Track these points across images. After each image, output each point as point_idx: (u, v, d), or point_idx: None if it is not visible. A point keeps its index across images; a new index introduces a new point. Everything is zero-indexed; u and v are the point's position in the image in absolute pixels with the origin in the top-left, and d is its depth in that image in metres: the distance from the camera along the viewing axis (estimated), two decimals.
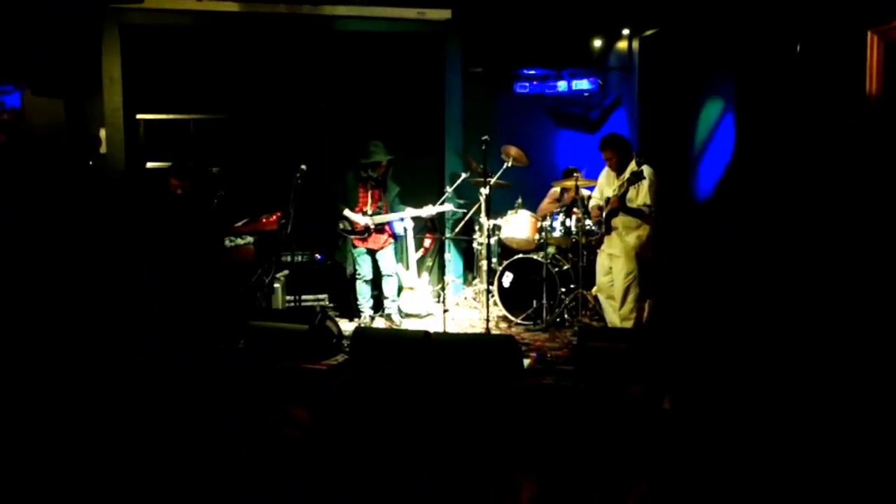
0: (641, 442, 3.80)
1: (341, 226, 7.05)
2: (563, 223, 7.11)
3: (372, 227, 7.01)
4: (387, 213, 7.08)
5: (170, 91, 8.10)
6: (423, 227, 7.84)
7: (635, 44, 8.08)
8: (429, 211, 7.13)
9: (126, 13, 7.62)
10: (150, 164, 8.18)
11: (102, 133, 7.74)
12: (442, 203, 7.22)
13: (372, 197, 7.06)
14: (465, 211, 7.84)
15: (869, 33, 4.90)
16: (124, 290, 5.75)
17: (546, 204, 7.84)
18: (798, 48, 5.59)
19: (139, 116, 8.09)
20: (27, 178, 6.43)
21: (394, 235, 7.27)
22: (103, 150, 7.74)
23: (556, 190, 7.82)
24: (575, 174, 7.15)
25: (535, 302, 7.07)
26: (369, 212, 7.03)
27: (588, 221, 6.65)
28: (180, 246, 6.33)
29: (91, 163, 7.54)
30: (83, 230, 6.74)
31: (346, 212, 7.02)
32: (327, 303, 7.74)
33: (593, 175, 6.82)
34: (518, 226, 7.36)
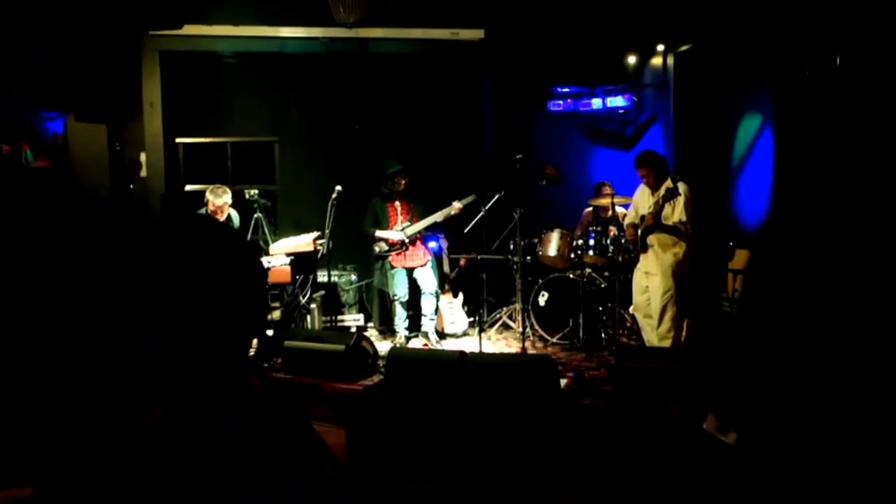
0: (678, 461, 3.74)
1: (377, 249, 7.06)
2: (598, 241, 7.05)
3: (406, 240, 7.00)
4: (418, 222, 7.06)
5: (208, 115, 8.25)
6: (458, 246, 7.83)
7: (670, 60, 8.03)
8: (455, 206, 7.04)
9: (165, 40, 7.78)
10: (188, 187, 8.31)
11: (143, 157, 7.90)
12: (470, 202, 7.11)
13: (401, 213, 7.08)
14: (500, 219, 7.74)
15: None
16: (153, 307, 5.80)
17: (582, 226, 7.78)
18: (838, 60, 5.50)
19: (178, 140, 8.24)
20: (69, 202, 6.56)
21: (430, 254, 7.27)
22: (143, 173, 7.90)
23: (588, 211, 7.79)
24: (605, 188, 7.09)
25: (571, 321, 7.01)
26: (401, 227, 7.04)
27: (624, 239, 6.58)
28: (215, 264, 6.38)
29: (132, 186, 7.69)
30: (123, 251, 6.85)
31: (378, 232, 7.03)
32: (364, 323, 7.76)
33: (628, 192, 6.77)
34: (553, 244, 7.31)
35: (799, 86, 6.03)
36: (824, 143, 5.58)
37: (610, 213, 7.00)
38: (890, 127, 4.96)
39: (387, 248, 7.04)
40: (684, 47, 7.82)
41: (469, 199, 7.08)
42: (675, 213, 5.83)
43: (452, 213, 7.04)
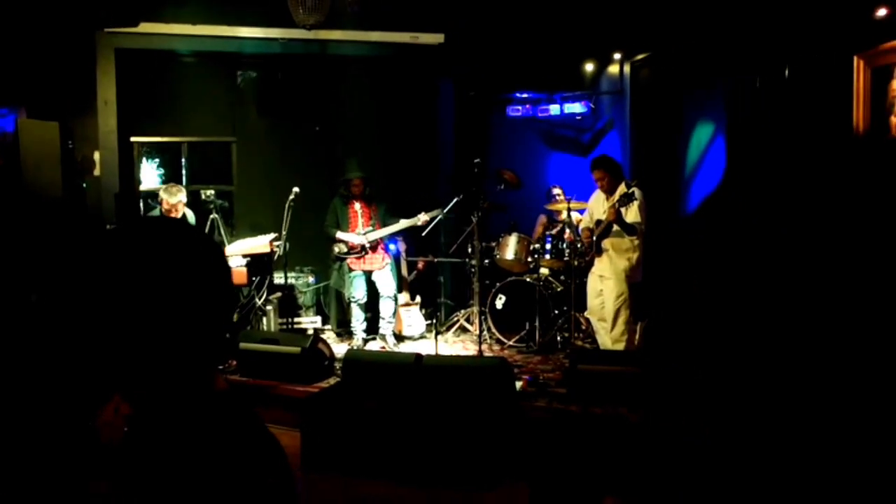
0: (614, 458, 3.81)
1: (336, 250, 7.04)
2: (554, 245, 7.13)
3: (367, 244, 7.00)
4: (380, 229, 7.07)
5: (163, 114, 8.15)
6: (416, 249, 7.86)
7: (626, 68, 8.16)
8: (423, 218, 7.09)
9: (121, 37, 7.67)
10: (143, 187, 8.20)
11: (97, 155, 7.77)
12: (434, 217, 7.19)
13: (362, 216, 7.07)
14: (457, 223, 7.79)
15: (855, 58, 4.95)
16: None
17: (539, 231, 7.86)
18: (786, 72, 5.66)
19: (133, 139, 8.12)
20: (21, 201, 6.43)
21: (390, 257, 7.27)
22: (97, 172, 7.77)
23: (544, 216, 7.88)
24: (555, 192, 7.19)
25: (527, 324, 7.07)
26: (361, 231, 7.03)
27: (580, 243, 6.67)
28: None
29: (84, 185, 7.56)
30: (75, 250, 6.73)
31: (339, 233, 7.01)
32: (320, 325, 7.73)
33: (585, 197, 6.86)
34: (511, 248, 7.37)
35: (749, 95, 6.18)
36: (773, 150, 5.72)
37: (563, 216, 7.09)
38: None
39: (346, 249, 7.02)
40: (640, 56, 7.95)
41: (435, 212, 7.13)
42: (629, 216, 5.92)
43: (418, 223, 7.07)
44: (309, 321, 7.69)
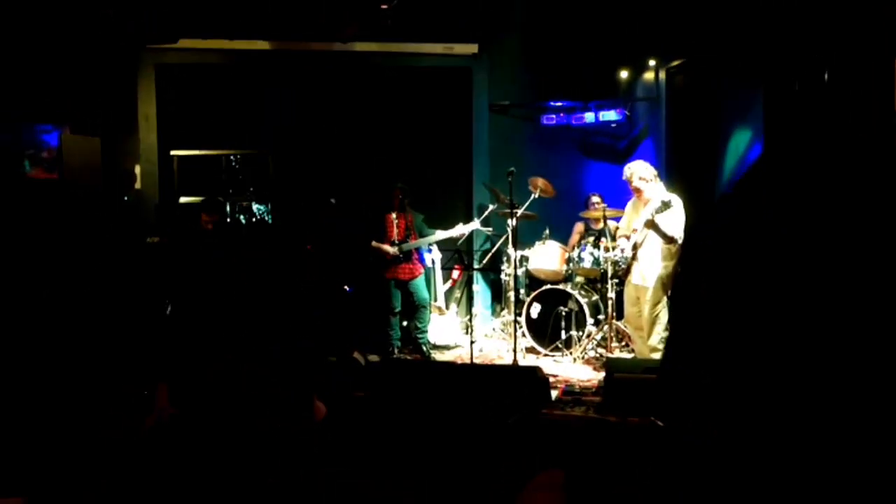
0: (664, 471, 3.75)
1: (371, 260, 7.11)
2: (591, 253, 7.08)
3: (400, 255, 7.04)
4: (416, 239, 7.11)
5: (203, 128, 8.29)
6: (451, 258, 7.87)
7: (662, 74, 8.09)
8: (459, 230, 7.13)
9: (161, 53, 7.83)
10: (183, 199, 8.35)
11: (137, 169, 7.93)
12: (472, 227, 7.24)
13: (398, 227, 7.11)
14: (494, 233, 7.83)
15: (895, 61, 4.86)
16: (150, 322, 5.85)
17: (575, 239, 7.82)
18: (826, 76, 5.57)
19: (173, 153, 8.28)
20: (65, 213, 6.60)
21: (424, 266, 7.30)
22: (138, 185, 7.93)
23: (580, 224, 7.84)
24: (594, 200, 7.16)
25: (563, 333, 7.04)
26: (397, 241, 7.07)
27: (616, 252, 6.61)
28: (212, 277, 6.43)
29: (126, 198, 7.72)
30: (117, 262, 6.89)
31: (374, 243, 7.07)
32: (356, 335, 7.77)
33: (621, 205, 6.81)
34: (545, 256, 7.35)
35: (788, 100, 6.09)
36: (813, 156, 5.63)
37: (601, 224, 7.05)
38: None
39: (382, 260, 7.07)
40: (676, 62, 7.89)
41: (473, 223, 7.17)
42: (666, 224, 5.86)
43: (455, 235, 7.11)
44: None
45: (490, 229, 7.76)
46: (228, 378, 1.08)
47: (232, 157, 8.59)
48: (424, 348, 7.19)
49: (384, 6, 5.08)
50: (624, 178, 6.17)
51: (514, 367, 6.16)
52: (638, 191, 6.11)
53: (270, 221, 7.07)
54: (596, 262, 7.04)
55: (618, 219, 6.87)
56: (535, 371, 4.97)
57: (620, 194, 7.42)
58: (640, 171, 6.08)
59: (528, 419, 4.55)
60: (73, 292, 5.75)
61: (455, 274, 7.97)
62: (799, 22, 5.90)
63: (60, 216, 6.53)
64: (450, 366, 5.09)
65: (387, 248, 7.04)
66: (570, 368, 6.65)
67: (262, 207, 7.21)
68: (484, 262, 7.97)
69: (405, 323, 7.37)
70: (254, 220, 7.05)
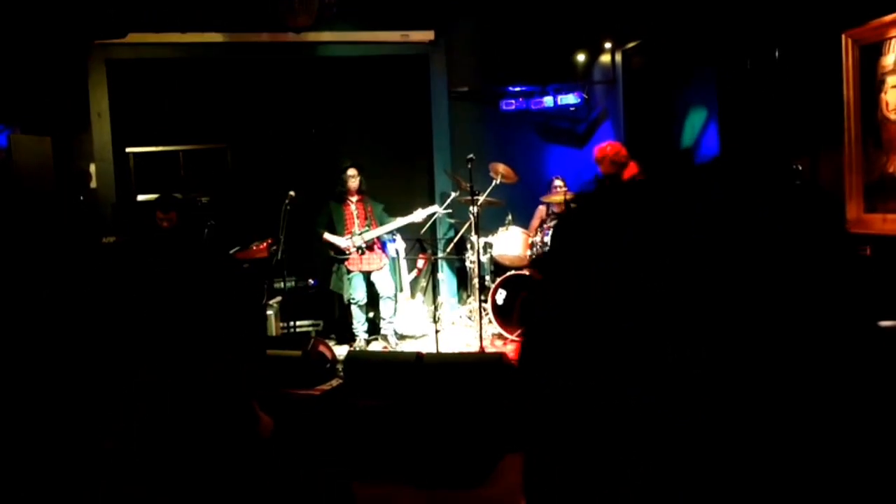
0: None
1: (332, 251, 7.06)
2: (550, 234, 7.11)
3: (354, 247, 6.98)
4: (376, 228, 7.07)
5: (158, 123, 8.16)
6: (415, 247, 7.85)
7: (618, 56, 8.12)
8: (419, 215, 7.09)
9: (111, 48, 7.67)
10: (140, 197, 8.21)
11: (92, 168, 7.78)
12: (432, 214, 7.21)
13: (358, 216, 7.06)
14: (457, 220, 7.81)
15: (843, 36, 4.92)
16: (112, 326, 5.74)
17: (536, 224, 7.84)
18: (776, 53, 5.62)
19: (128, 150, 8.13)
20: (18, 216, 6.46)
21: (387, 256, 7.27)
22: (93, 184, 7.78)
23: (542, 208, 7.85)
24: (556, 183, 7.19)
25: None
26: (358, 231, 7.02)
27: None
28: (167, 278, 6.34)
29: (81, 198, 7.57)
30: (75, 265, 6.77)
31: (326, 235, 7.01)
32: (321, 328, 7.74)
33: (580, 186, 6.84)
34: (509, 242, 7.36)
35: (740, 78, 6.14)
36: (765, 133, 5.70)
37: (563, 208, 7.07)
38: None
39: (341, 252, 7.03)
40: (631, 44, 7.92)
41: (432, 209, 7.13)
42: None
43: (415, 221, 7.07)
44: (310, 324, 7.69)
45: (450, 210, 7.71)
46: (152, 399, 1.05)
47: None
48: (390, 339, 7.17)
49: None
50: (595, 160, 6.24)
51: (480, 356, 6.17)
52: (606, 173, 6.16)
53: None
54: None
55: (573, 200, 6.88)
56: (500, 359, 4.98)
57: (581, 177, 7.46)
58: (612, 154, 6.15)
59: (494, 407, 4.56)
60: (26, 296, 5.63)
61: (420, 263, 7.96)
62: (749, 1, 5.95)
63: (12, 219, 6.38)
64: (415, 356, 5.07)
65: (339, 241, 6.98)
66: None
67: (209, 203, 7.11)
68: (448, 249, 7.96)
69: (370, 314, 7.35)
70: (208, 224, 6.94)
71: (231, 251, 6.92)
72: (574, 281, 0.50)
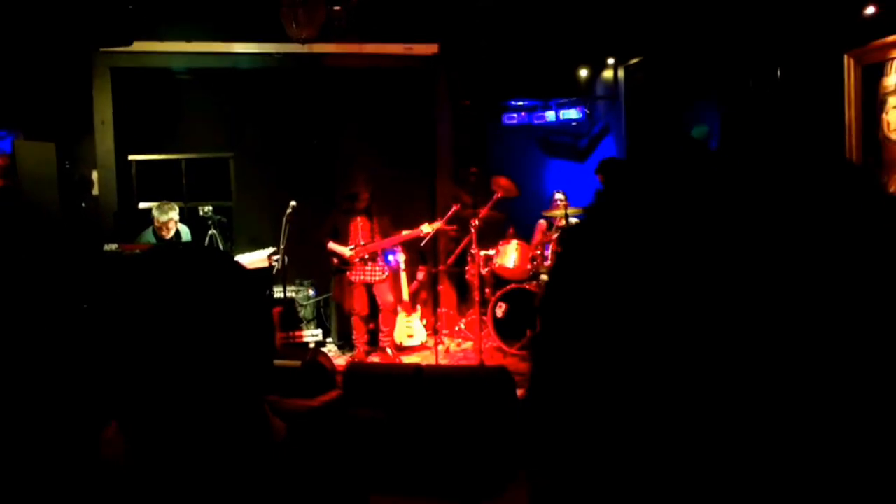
0: None
1: (335, 261, 7.07)
2: (554, 252, 7.12)
3: (357, 258, 6.99)
4: (380, 240, 7.07)
5: (161, 132, 8.18)
6: (416, 259, 7.86)
7: (620, 73, 8.18)
8: (423, 230, 7.09)
9: (116, 56, 7.70)
10: (142, 205, 8.23)
11: (95, 175, 7.80)
12: (436, 227, 7.23)
13: (362, 229, 7.07)
14: (459, 233, 7.82)
15: (845, 56, 4.96)
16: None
17: (537, 238, 7.85)
18: (778, 73, 5.66)
19: (131, 157, 8.15)
20: (21, 221, 6.46)
21: (388, 268, 7.27)
22: (95, 191, 7.80)
23: (543, 222, 7.86)
24: (556, 198, 7.22)
25: (529, 332, 7.06)
26: (362, 243, 7.03)
27: None
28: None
29: (83, 205, 7.58)
30: (75, 270, 6.77)
31: (331, 244, 7.01)
32: (321, 338, 7.73)
33: (582, 203, 6.87)
34: (510, 256, 7.37)
35: (742, 96, 6.18)
36: (766, 151, 5.71)
37: (563, 222, 7.09)
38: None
39: (343, 262, 7.03)
40: (634, 60, 7.97)
41: (437, 223, 7.14)
42: None
43: (420, 235, 7.06)
44: (310, 334, 7.69)
45: (454, 227, 7.73)
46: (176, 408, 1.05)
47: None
48: (389, 350, 7.17)
49: (337, 9, 5.07)
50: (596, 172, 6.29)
51: (480, 369, 6.17)
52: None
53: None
54: None
55: (581, 216, 6.91)
56: (500, 372, 4.98)
57: (582, 192, 7.49)
58: (604, 168, 6.17)
59: (495, 420, 4.56)
60: (27, 303, 5.63)
61: (420, 275, 7.96)
62: (752, 18, 5.99)
63: (14, 224, 6.38)
64: (414, 368, 5.07)
65: (343, 250, 6.99)
66: None
67: (211, 213, 7.11)
68: (449, 262, 7.96)
69: (371, 325, 7.35)
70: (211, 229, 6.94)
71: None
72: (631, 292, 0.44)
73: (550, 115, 8.40)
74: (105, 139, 7.81)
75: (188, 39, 7.74)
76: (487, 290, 7.59)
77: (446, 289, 8.17)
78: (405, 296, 7.60)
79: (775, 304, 0.40)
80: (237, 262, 1.13)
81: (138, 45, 7.65)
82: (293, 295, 7.66)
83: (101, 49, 7.63)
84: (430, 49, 8.24)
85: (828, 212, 0.43)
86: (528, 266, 7.30)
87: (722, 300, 0.41)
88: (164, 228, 6.61)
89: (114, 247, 6.42)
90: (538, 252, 7.24)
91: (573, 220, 7.01)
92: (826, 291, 0.40)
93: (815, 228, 0.42)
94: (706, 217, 0.44)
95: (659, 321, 0.42)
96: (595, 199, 0.52)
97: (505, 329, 7.21)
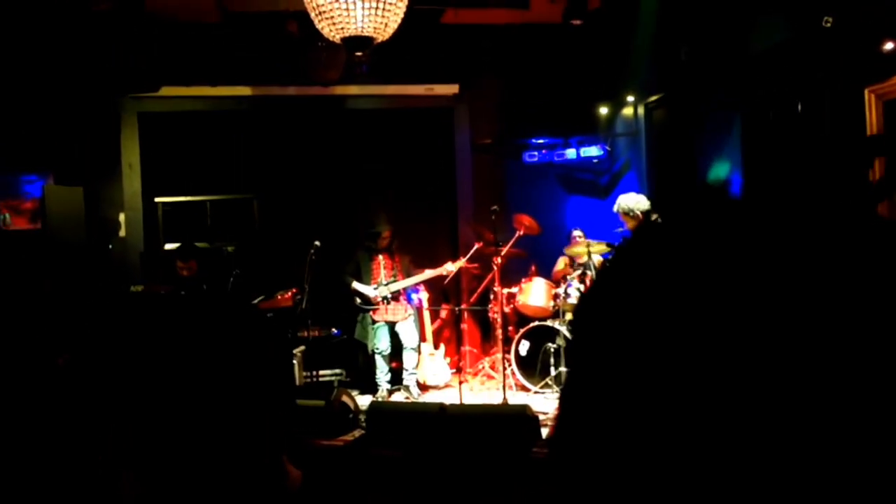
0: None
1: (358, 301, 7.10)
2: (577, 289, 7.09)
3: (380, 298, 7.02)
4: (403, 279, 7.11)
5: (187, 174, 8.31)
6: (439, 297, 7.87)
7: (640, 109, 8.20)
8: (446, 269, 7.12)
9: (144, 101, 7.88)
10: (167, 246, 8.33)
11: (122, 217, 7.93)
12: (459, 266, 7.25)
13: (385, 267, 7.11)
14: (481, 271, 7.84)
15: (866, 91, 4.95)
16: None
17: (559, 275, 7.82)
18: (799, 107, 5.65)
19: (157, 200, 8.28)
20: (49, 264, 6.58)
21: (411, 307, 7.29)
22: (122, 233, 7.92)
23: (564, 259, 7.83)
24: (575, 235, 7.21)
25: (552, 369, 7.01)
26: (384, 282, 7.07)
27: None
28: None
29: (110, 247, 7.70)
30: (103, 312, 6.85)
31: (354, 284, 7.05)
32: (344, 378, 7.73)
33: (603, 237, 6.86)
34: (532, 293, 7.35)
35: (764, 130, 6.17)
36: (789, 185, 5.69)
37: (584, 259, 7.07)
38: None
39: (366, 301, 7.06)
40: (654, 97, 8.00)
41: (460, 262, 7.18)
42: None
43: (443, 273, 7.10)
44: (333, 373, 7.69)
45: (476, 265, 7.76)
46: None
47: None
48: (413, 389, 7.15)
49: (358, 54, 5.17)
50: (614, 210, 6.28)
51: (503, 407, 6.13)
52: (629, 222, 6.19)
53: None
54: None
55: (606, 255, 6.89)
56: (523, 411, 4.94)
57: (603, 229, 7.48)
58: (624, 205, 6.17)
59: (519, 459, 4.52)
60: (57, 347, 5.70)
61: (443, 313, 7.96)
62: (772, 53, 6.01)
63: (43, 267, 6.50)
64: (438, 408, 5.05)
65: (366, 290, 7.03)
66: None
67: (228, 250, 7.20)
68: (472, 300, 7.96)
69: (394, 364, 7.34)
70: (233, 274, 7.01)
71: (256, 300, 6.97)
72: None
73: (571, 153, 8.42)
74: (132, 182, 7.96)
75: (213, 84, 7.91)
76: (510, 328, 7.56)
77: (469, 327, 8.16)
78: (428, 334, 7.59)
79: (805, 367, 0.42)
80: (256, 311, 1.14)
81: (165, 90, 7.84)
82: (316, 334, 7.68)
83: (129, 95, 7.82)
84: (450, 90, 8.34)
85: (854, 271, 0.45)
86: (551, 304, 7.28)
87: (752, 354, 0.43)
88: (185, 270, 6.69)
89: (140, 287, 6.50)
90: (560, 290, 7.21)
91: (597, 258, 6.99)
92: (850, 348, 0.42)
93: (839, 284, 0.44)
94: (732, 273, 0.46)
95: (686, 369, 0.44)
96: (622, 246, 0.54)
97: (528, 367, 7.17)
